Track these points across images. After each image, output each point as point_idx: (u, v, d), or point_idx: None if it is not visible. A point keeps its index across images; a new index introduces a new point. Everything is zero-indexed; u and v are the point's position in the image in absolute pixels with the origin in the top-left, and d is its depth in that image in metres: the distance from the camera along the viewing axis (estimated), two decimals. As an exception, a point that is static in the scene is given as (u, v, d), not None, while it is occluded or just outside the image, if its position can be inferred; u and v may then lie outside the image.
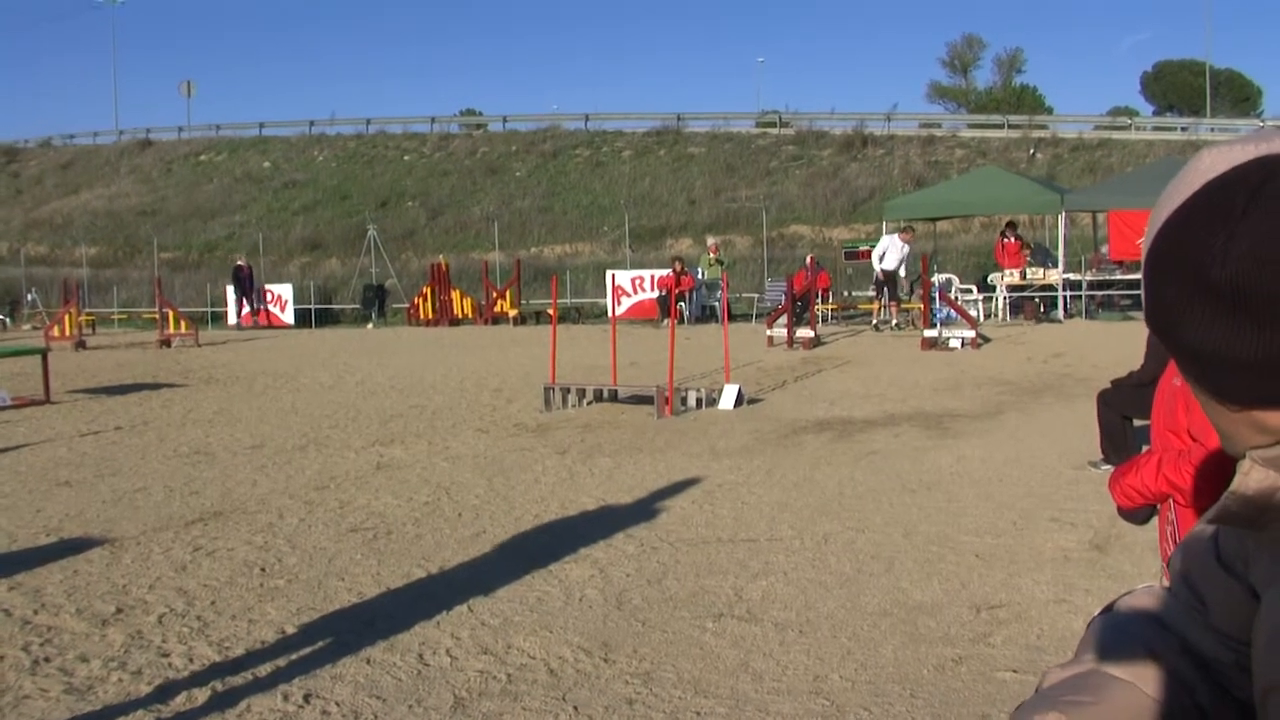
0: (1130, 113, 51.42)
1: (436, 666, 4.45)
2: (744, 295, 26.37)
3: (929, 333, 16.97)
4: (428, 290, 27.96)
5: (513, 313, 26.98)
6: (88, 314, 28.15)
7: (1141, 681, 1.04)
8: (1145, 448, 3.49)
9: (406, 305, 29.04)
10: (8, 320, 32.65)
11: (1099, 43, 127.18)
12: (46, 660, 4.57)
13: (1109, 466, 7.22)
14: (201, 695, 4.17)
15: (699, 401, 11.55)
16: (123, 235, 41.91)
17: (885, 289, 21.13)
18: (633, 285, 25.80)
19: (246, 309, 29.07)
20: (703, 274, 25.16)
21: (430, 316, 27.45)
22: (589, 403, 11.99)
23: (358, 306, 30.11)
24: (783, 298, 20.56)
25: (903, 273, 21.33)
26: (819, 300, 21.29)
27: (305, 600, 5.35)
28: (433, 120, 51.13)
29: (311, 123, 52.21)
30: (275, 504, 7.59)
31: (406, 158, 47.40)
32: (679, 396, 11.43)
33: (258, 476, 8.63)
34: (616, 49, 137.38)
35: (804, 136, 44.51)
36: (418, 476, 8.47)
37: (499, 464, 8.89)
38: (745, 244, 33.58)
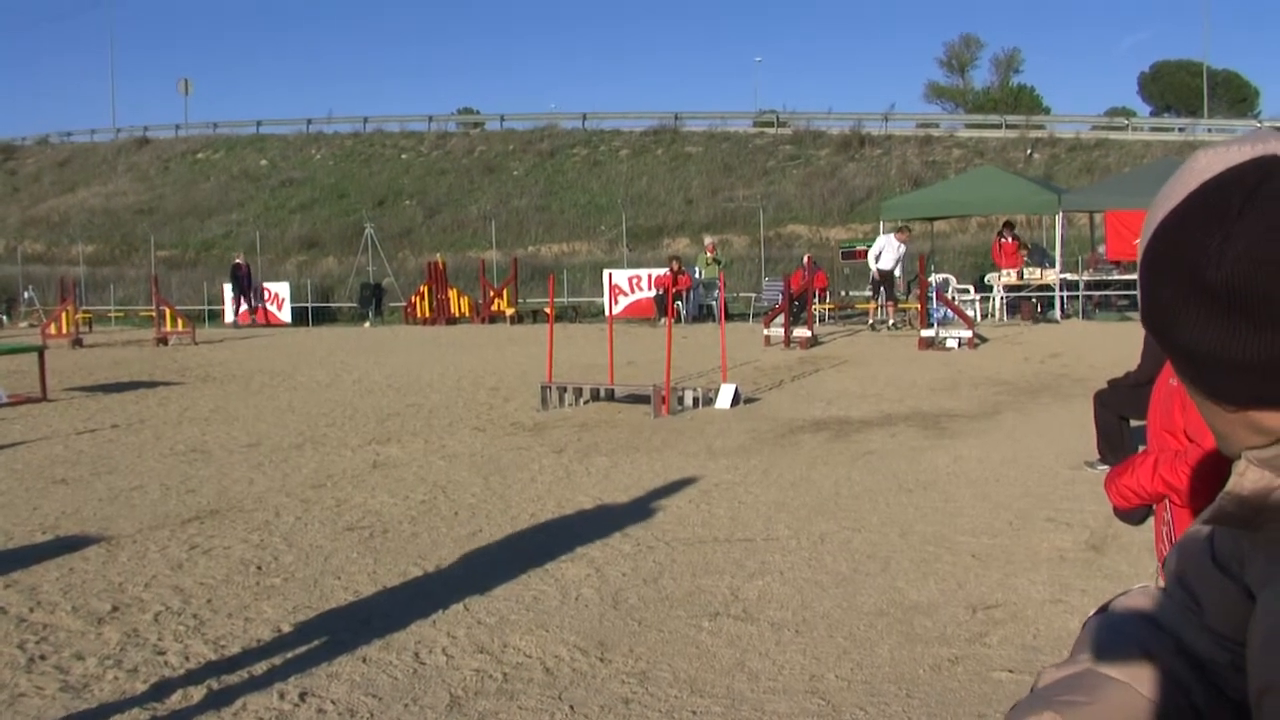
0: (1128, 113, 51.51)
1: (432, 665, 4.45)
2: (741, 295, 26.36)
3: (926, 332, 16.97)
4: (425, 289, 27.94)
5: (510, 311, 26.96)
6: (84, 312, 28.11)
7: (1136, 682, 1.04)
8: (1142, 448, 3.49)
9: (403, 304, 29.01)
10: (4, 318, 32.62)
11: (1097, 43, 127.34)
12: (42, 658, 4.57)
13: (1105, 466, 7.23)
14: (197, 693, 4.17)
15: (696, 401, 11.55)
16: (120, 233, 41.87)
17: (882, 289, 21.13)
18: (630, 284, 25.79)
19: (244, 307, 29.04)
20: (700, 273, 25.15)
21: (427, 315, 27.43)
22: (586, 402, 11.99)
23: (355, 305, 30.08)
24: (780, 297, 20.57)
25: (899, 272, 21.33)
26: (816, 300, 21.29)
27: (301, 599, 5.35)
28: (430, 119, 51.11)
29: (309, 121, 52.20)
30: (272, 502, 7.58)
31: (404, 156, 47.38)
32: (676, 396, 11.42)
33: (254, 475, 8.62)
34: (614, 48, 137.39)
35: (801, 136, 44.52)
36: (414, 475, 8.46)
37: (496, 463, 8.89)
38: (742, 243, 33.58)
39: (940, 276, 21.33)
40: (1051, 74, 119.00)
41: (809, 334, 18.07)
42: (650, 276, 25.54)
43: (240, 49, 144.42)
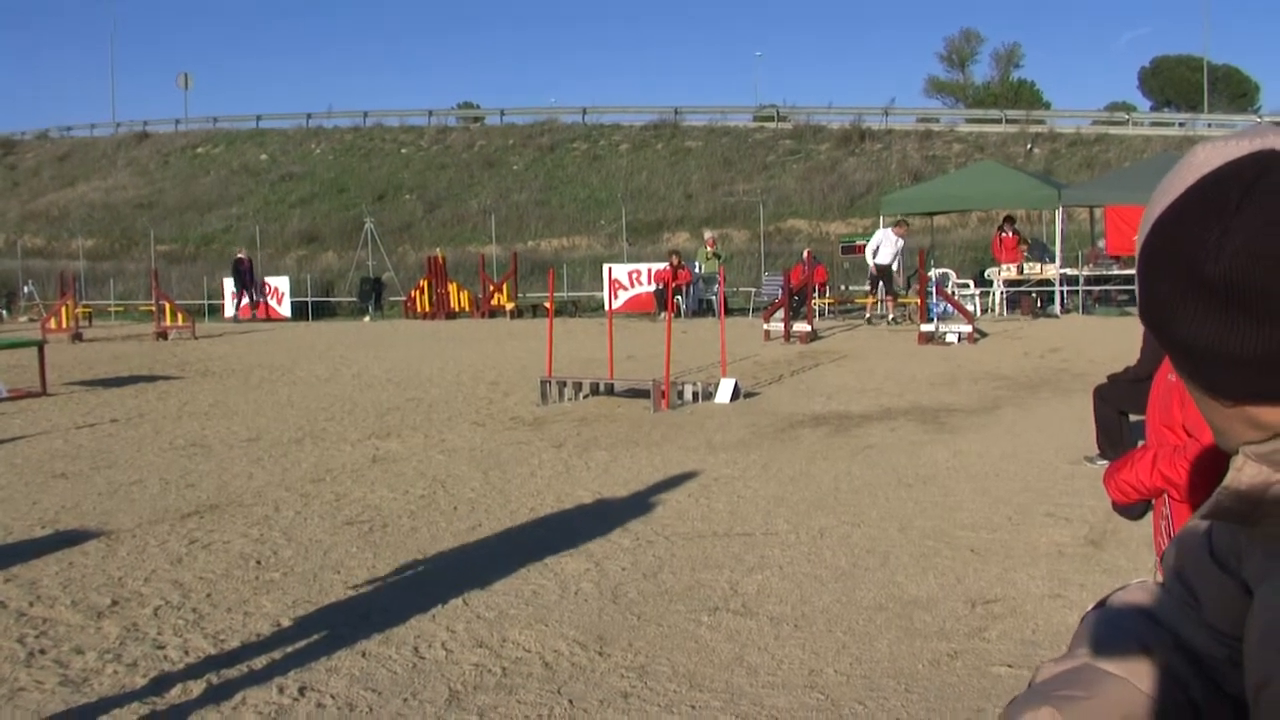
0: (1128, 108, 51.41)
1: (431, 659, 4.45)
2: (741, 289, 26.35)
3: (926, 327, 16.97)
4: (424, 283, 27.92)
5: (509, 306, 26.95)
6: (84, 306, 28.08)
7: (1135, 677, 1.04)
8: (1141, 443, 3.49)
9: (403, 298, 29.01)
10: (4, 313, 32.60)
11: (1097, 38, 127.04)
12: (42, 652, 4.57)
13: (1105, 461, 7.23)
14: (197, 687, 4.18)
15: (695, 395, 11.56)
16: (119, 228, 41.82)
17: (881, 284, 21.12)
18: (630, 279, 25.78)
19: (245, 301, 29.04)
20: (700, 268, 25.14)
21: (427, 310, 27.42)
22: (585, 396, 11.99)
23: (354, 299, 30.08)
24: (779, 292, 20.56)
25: (897, 267, 21.32)
26: (815, 295, 21.28)
27: (300, 593, 5.35)
28: (430, 113, 51.03)
29: (309, 115, 52.11)
30: (271, 497, 7.58)
31: (404, 151, 47.33)
32: (675, 390, 11.42)
33: (254, 469, 8.62)
34: (614, 42, 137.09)
35: (801, 131, 44.46)
36: (414, 470, 8.47)
37: (495, 457, 8.89)
38: (742, 238, 33.56)
39: (940, 271, 21.32)
40: (1052, 69, 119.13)
41: (809, 329, 18.07)
42: (650, 271, 25.53)
43: (240, 43, 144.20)
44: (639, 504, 7.12)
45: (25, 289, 32.39)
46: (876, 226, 22.94)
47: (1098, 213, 24.90)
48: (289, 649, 4.58)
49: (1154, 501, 2.98)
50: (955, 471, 7.89)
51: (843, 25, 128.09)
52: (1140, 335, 6.74)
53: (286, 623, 4.92)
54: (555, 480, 7.96)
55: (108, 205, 44.37)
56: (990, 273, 22.33)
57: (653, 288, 24.91)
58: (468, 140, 47.56)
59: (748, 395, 11.76)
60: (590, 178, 42.12)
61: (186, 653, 4.55)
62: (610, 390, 12.10)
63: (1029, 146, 40.06)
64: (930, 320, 17.19)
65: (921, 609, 4.91)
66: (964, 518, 6.52)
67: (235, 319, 28.83)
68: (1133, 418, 7.45)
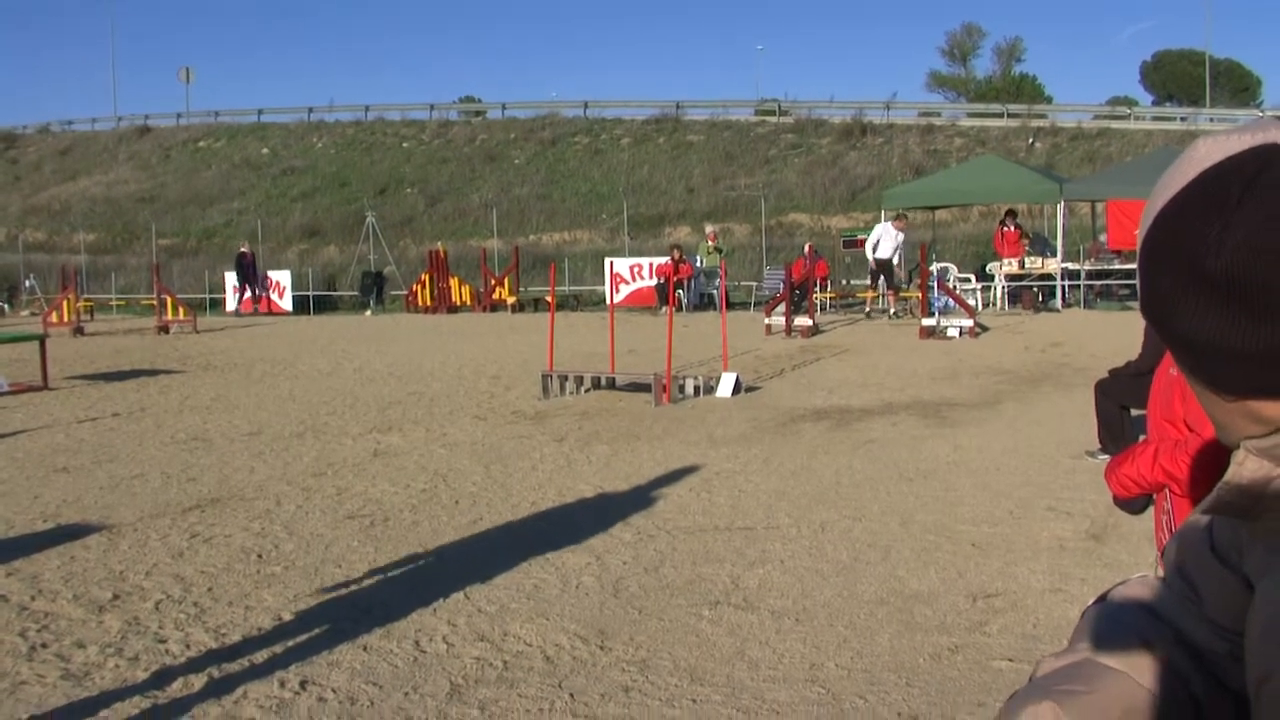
0: (1129, 102, 51.34)
1: (433, 653, 4.46)
2: (742, 283, 26.35)
3: (927, 321, 16.96)
4: (426, 277, 27.91)
5: (511, 300, 26.95)
6: (86, 300, 28.11)
7: (1135, 671, 1.04)
8: (1142, 437, 3.49)
9: (405, 292, 29.00)
10: (6, 306, 32.61)
11: (1098, 32, 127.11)
12: (43, 646, 4.58)
13: (1106, 456, 7.23)
14: (198, 681, 4.18)
15: (697, 389, 11.56)
16: (121, 222, 41.83)
17: (882, 278, 21.11)
18: (631, 273, 25.77)
19: (247, 295, 29.04)
20: (701, 262, 25.13)
21: (428, 304, 27.42)
22: (587, 390, 11.99)
23: (356, 294, 30.07)
24: (781, 286, 20.55)
25: (897, 261, 21.31)
26: (817, 289, 21.28)
27: (302, 587, 5.36)
28: (432, 107, 51.01)
29: (310, 109, 52.10)
30: (273, 491, 7.59)
31: (405, 145, 47.30)
32: (677, 384, 11.42)
33: (255, 463, 8.63)
34: (616, 36, 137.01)
35: (803, 125, 44.44)
36: (415, 464, 8.47)
37: (496, 451, 8.89)
38: (744, 232, 33.54)
39: (941, 265, 21.30)
40: (1053, 63, 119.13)
41: (810, 323, 18.07)
42: (651, 265, 25.52)
43: (241, 37, 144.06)
44: (640, 498, 7.12)
45: (27, 283, 32.38)
46: (878, 221, 22.93)
47: (1099, 207, 24.85)
48: (290, 643, 4.58)
49: (1155, 496, 2.98)
50: (956, 466, 7.90)
51: (844, 19, 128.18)
52: (1141, 330, 6.74)
53: (288, 617, 4.92)
54: (556, 474, 7.96)
55: (109, 199, 44.38)
56: (991, 267, 22.31)
57: (654, 282, 24.90)
58: (469, 134, 47.53)
59: (749, 389, 11.76)
60: (592, 172, 42.10)
61: (188, 646, 4.55)
62: (612, 384, 12.10)
63: (1030, 141, 40.03)
64: (932, 315, 17.18)
65: (922, 603, 4.91)
66: (965, 512, 6.52)
67: (237, 313, 28.83)
68: (1134, 412, 7.45)
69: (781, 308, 18.40)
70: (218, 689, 4.10)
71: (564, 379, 12.00)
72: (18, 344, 16.16)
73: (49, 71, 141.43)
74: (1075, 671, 1.06)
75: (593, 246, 33.24)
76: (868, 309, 21.41)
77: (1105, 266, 21.65)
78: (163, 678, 4.22)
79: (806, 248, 24.58)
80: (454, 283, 27.71)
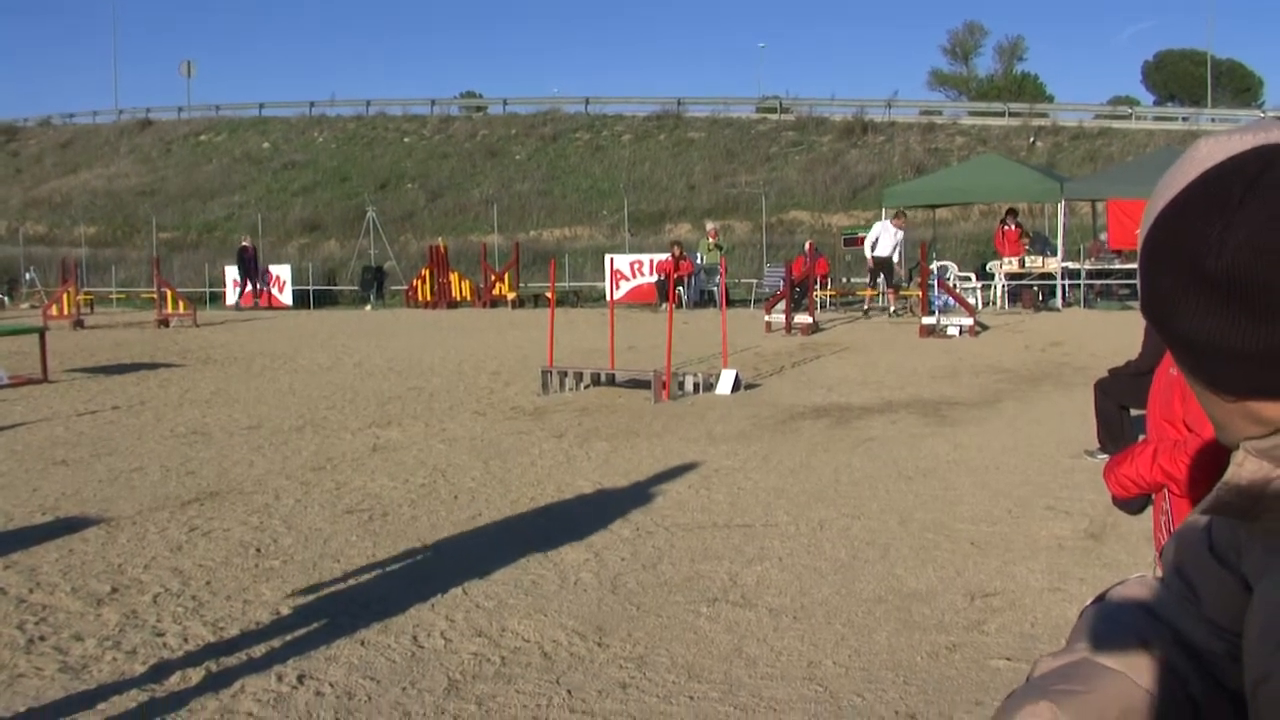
0: (1131, 102, 51.35)
1: (430, 648, 4.46)
2: (742, 280, 26.35)
3: (927, 320, 16.96)
4: (426, 272, 27.93)
5: (511, 296, 26.96)
6: (86, 293, 28.10)
7: (1133, 671, 1.04)
8: (1141, 437, 3.49)
9: (405, 287, 29.01)
10: (6, 299, 32.63)
11: (1100, 31, 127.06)
12: (41, 639, 4.58)
13: (1105, 455, 7.23)
14: (196, 675, 4.18)
15: (696, 386, 11.55)
16: (122, 215, 41.84)
17: (881, 275, 21.11)
18: (631, 269, 25.77)
19: (247, 289, 29.04)
20: (701, 259, 25.13)
21: (428, 299, 27.43)
22: (586, 386, 11.99)
23: (356, 288, 30.08)
24: (781, 283, 20.55)
25: (897, 258, 21.31)
26: (817, 286, 21.27)
27: (300, 581, 5.36)
28: (433, 102, 51.01)
29: (311, 104, 52.11)
30: (271, 485, 7.59)
31: (406, 140, 47.30)
32: (676, 381, 11.42)
33: (254, 457, 8.63)
34: (617, 33, 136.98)
35: (804, 122, 44.43)
36: (414, 459, 8.47)
37: (495, 447, 8.89)
38: (744, 229, 33.54)
39: (941, 264, 21.30)
40: (1055, 62, 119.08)
41: (810, 320, 18.07)
42: (652, 262, 25.52)
43: (243, 31, 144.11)
44: (639, 494, 7.12)
45: (27, 276, 32.40)
46: (878, 219, 22.93)
47: (1100, 206, 24.86)
48: (288, 637, 4.58)
49: (1154, 496, 2.98)
50: (955, 464, 7.90)
51: (846, 17, 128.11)
52: (1142, 329, 6.74)
53: (286, 611, 4.92)
54: (556, 470, 7.96)
55: (110, 192, 44.38)
56: (992, 266, 22.32)
57: (654, 278, 24.91)
58: (470, 129, 47.53)
59: (748, 387, 11.76)
60: (593, 168, 42.10)
61: (186, 640, 4.55)
62: (611, 381, 12.10)
63: (1032, 140, 40.02)
64: (932, 313, 17.18)
65: (921, 602, 4.91)
66: (964, 511, 6.52)
67: (237, 307, 28.84)
68: (1134, 412, 7.45)
69: (782, 305, 18.39)
70: (215, 683, 4.10)
71: (564, 375, 12.00)
72: (18, 336, 16.19)
73: (50, 64, 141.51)
74: (1073, 671, 1.06)
75: (593, 243, 33.25)
76: (865, 307, 21.41)
77: (1106, 266, 21.66)
78: (160, 671, 4.22)
79: (807, 245, 24.59)
80: (454, 278, 27.73)
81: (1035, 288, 21.49)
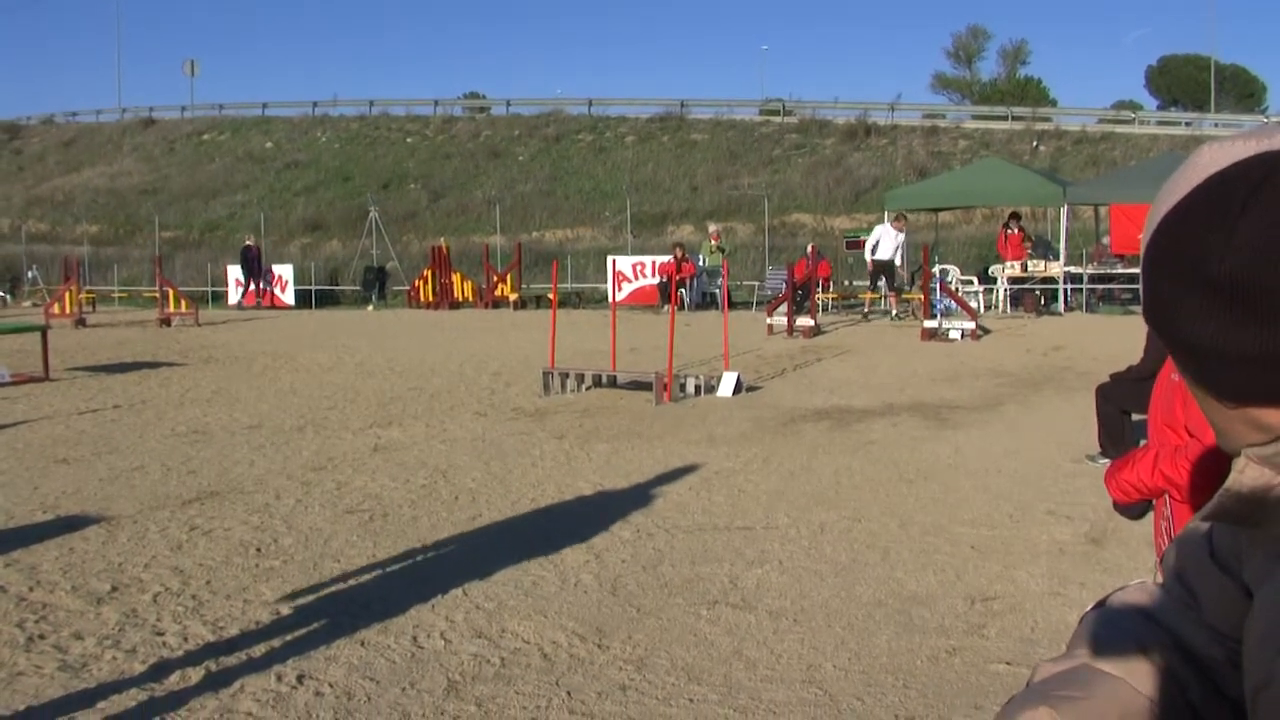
0: (1134, 106, 51.38)
1: (430, 649, 4.46)
2: (745, 283, 26.35)
3: (929, 323, 16.96)
4: (428, 273, 27.93)
5: (513, 297, 26.95)
6: (88, 292, 28.11)
7: (1133, 677, 1.04)
8: (1143, 442, 3.49)
9: (407, 288, 29.01)
10: (8, 297, 32.64)
11: (1104, 36, 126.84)
12: (41, 637, 4.58)
13: (1106, 460, 7.22)
14: (195, 674, 4.18)
15: (698, 388, 11.55)
16: (124, 213, 41.85)
17: (882, 279, 21.10)
18: (634, 271, 25.78)
19: (250, 288, 29.04)
20: (704, 261, 25.13)
21: (430, 299, 27.43)
22: (588, 388, 11.99)
23: (358, 288, 30.09)
24: (783, 286, 20.54)
25: (898, 261, 21.30)
26: (819, 289, 21.27)
27: (300, 581, 5.36)
28: (436, 103, 51.03)
29: (314, 103, 52.13)
30: (272, 484, 7.59)
31: (409, 140, 47.31)
32: (678, 383, 11.42)
33: (255, 457, 8.63)
34: (621, 34, 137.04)
35: (807, 125, 44.42)
36: (415, 459, 8.47)
37: (497, 448, 8.89)
38: (747, 231, 33.54)
39: (943, 267, 21.29)
40: (1058, 66, 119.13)
41: (812, 323, 18.07)
42: (654, 263, 25.53)
43: (246, 30, 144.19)
44: (640, 496, 7.12)
45: (29, 274, 32.42)
46: (880, 222, 22.93)
47: (1102, 211, 24.86)
48: (288, 637, 4.58)
49: (1155, 501, 2.98)
50: (956, 468, 7.89)
51: (850, 20, 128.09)
52: (1144, 334, 6.74)
53: (286, 611, 4.92)
54: (556, 471, 7.96)
55: (112, 191, 44.40)
56: (994, 269, 22.30)
57: (656, 280, 24.91)
58: (473, 130, 47.53)
59: (750, 389, 11.76)
60: (595, 169, 42.10)
61: (185, 639, 4.55)
62: (613, 382, 12.10)
63: (1035, 144, 40.00)
64: (934, 316, 17.18)
65: (921, 605, 4.91)
66: (965, 514, 6.52)
67: (239, 306, 28.85)
68: (1135, 417, 7.45)
69: (783, 308, 18.40)
70: (215, 682, 4.10)
71: (565, 376, 12.00)
72: (20, 335, 16.20)
73: (54, 63, 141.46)
74: (1072, 677, 1.06)
75: (595, 244, 33.25)
76: (865, 310, 21.42)
77: (1108, 270, 21.64)
78: (160, 670, 4.22)
79: (809, 248, 24.59)
80: (456, 279, 27.72)
81: (1037, 292, 21.48)
